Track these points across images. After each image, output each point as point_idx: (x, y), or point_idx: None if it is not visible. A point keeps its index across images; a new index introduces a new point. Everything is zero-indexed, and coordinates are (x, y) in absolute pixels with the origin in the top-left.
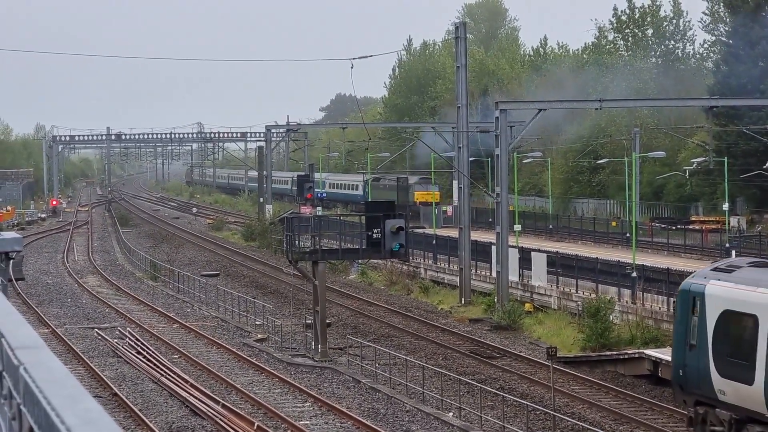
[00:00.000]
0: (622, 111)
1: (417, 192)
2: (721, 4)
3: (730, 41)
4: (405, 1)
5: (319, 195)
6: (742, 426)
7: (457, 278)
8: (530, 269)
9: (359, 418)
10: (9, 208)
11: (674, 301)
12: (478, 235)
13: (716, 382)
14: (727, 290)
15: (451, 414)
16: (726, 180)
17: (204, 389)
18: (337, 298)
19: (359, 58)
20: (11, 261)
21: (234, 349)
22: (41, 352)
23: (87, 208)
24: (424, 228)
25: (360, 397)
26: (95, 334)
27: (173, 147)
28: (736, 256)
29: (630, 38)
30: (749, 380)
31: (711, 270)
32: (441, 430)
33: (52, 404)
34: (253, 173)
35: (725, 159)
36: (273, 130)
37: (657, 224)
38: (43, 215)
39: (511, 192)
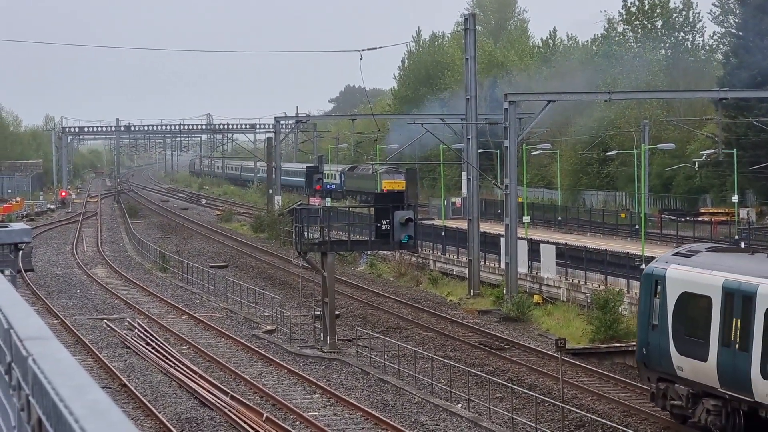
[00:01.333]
0: (631, 103)
1: (384, 180)
2: None
3: (740, 33)
4: None
5: (329, 186)
6: (698, 399)
7: (465, 270)
8: (539, 261)
9: (368, 410)
10: (18, 199)
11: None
12: (487, 227)
13: (675, 359)
14: (685, 273)
15: (459, 405)
16: (735, 172)
17: (213, 380)
18: (345, 289)
19: (368, 49)
20: (20, 252)
21: (243, 341)
22: (50, 343)
23: (96, 200)
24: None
25: (369, 389)
26: (104, 325)
27: (182, 138)
28: (745, 246)
29: (639, 30)
30: (704, 357)
31: (672, 255)
32: (450, 421)
33: (60, 395)
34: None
35: (735, 151)
36: (282, 122)
37: (666, 216)
38: (52, 206)
39: (520, 184)
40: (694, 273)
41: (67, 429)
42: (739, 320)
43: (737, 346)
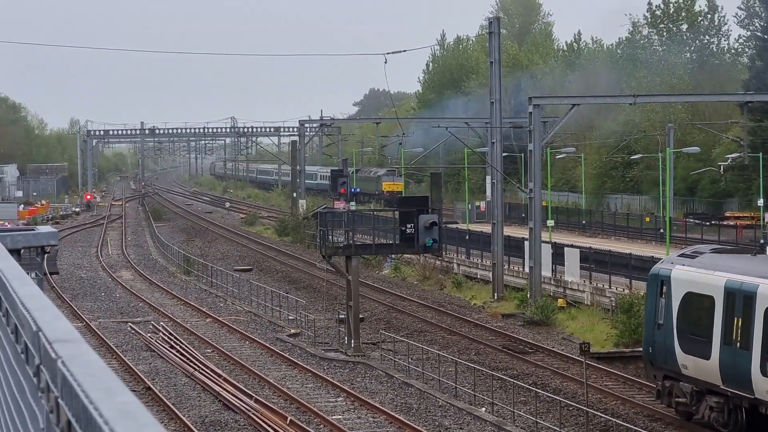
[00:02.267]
0: (656, 106)
1: (384, 182)
2: None
3: (766, 36)
4: None
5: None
6: (702, 397)
7: (489, 273)
8: (563, 265)
9: (392, 413)
10: (43, 202)
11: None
12: (511, 231)
13: (680, 357)
14: (689, 274)
15: (483, 409)
16: (761, 175)
17: (237, 384)
18: (370, 293)
19: (393, 53)
20: (46, 255)
21: (267, 344)
22: (79, 345)
23: (121, 203)
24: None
25: (393, 392)
26: (129, 328)
27: (206, 141)
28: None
29: (664, 33)
30: (707, 355)
31: (677, 256)
32: (474, 425)
33: (90, 397)
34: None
35: (760, 154)
36: (306, 125)
37: (691, 220)
38: (77, 209)
39: (545, 187)
40: (698, 273)
41: (97, 431)
42: (740, 319)
43: (738, 344)
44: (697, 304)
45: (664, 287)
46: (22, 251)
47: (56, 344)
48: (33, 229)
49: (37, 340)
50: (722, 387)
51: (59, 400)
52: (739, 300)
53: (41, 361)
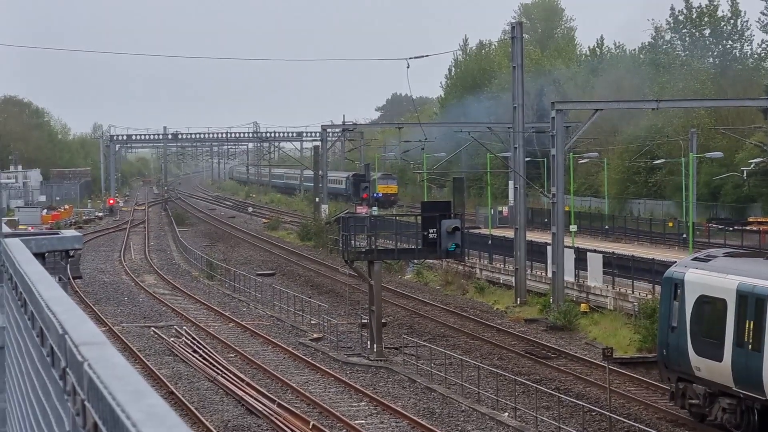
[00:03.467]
0: (679, 111)
1: (379, 185)
2: None
3: None
4: (462, 1)
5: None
6: (715, 399)
7: (512, 278)
8: (586, 270)
9: (415, 418)
10: (67, 206)
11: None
12: (534, 236)
13: (693, 359)
14: (702, 277)
15: (506, 414)
16: None
17: (259, 388)
18: (392, 297)
19: (415, 57)
20: (71, 259)
21: (290, 348)
22: (105, 348)
23: (143, 207)
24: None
25: (415, 397)
26: (152, 332)
27: (229, 146)
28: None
29: (687, 38)
30: (719, 357)
31: (691, 259)
32: (497, 430)
33: (117, 399)
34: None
35: None
36: (329, 130)
37: (714, 225)
38: (100, 214)
39: (567, 192)
40: (710, 277)
41: None
42: (752, 322)
43: (750, 346)
44: (710, 307)
45: (678, 290)
46: (47, 255)
47: (82, 347)
48: (57, 233)
49: (63, 343)
50: (735, 389)
51: (86, 403)
52: (752, 303)
53: (67, 364)
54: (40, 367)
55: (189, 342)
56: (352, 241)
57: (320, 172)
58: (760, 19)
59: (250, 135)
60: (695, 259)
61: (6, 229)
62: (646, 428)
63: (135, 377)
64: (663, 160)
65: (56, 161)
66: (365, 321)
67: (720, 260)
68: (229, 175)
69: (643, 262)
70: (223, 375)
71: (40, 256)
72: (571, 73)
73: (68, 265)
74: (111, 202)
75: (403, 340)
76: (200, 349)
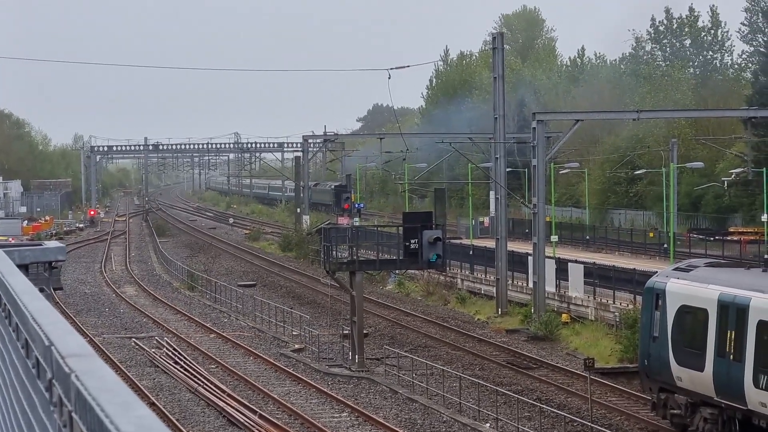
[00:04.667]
0: (660, 121)
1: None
2: (760, 14)
3: None
4: (442, 12)
5: (358, 206)
6: (696, 409)
7: (493, 289)
8: (567, 280)
9: (396, 429)
10: (47, 217)
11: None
12: (515, 246)
13: (674, 369)
14: (683, 287)
15: (488, 425)
16: (765, 191)
17: (241, 399)
18: (374, 308)
19: (396, 68)
20: (53, 270)
21: (271, 360)
22: (92, 360)
23: (124, 218)
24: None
25: (397, 408)
26: (133, 343)
27: (210, 157)
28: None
29: (668, 49)
30: (701, 367)
31: (672, 269)
32: None
33: (106, 411)
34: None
35: (764, 170)
36: (310, 140)
37: (695, 235)
38: (81, 225)
39: (548, 203)
40: (692, 287)
41: None
42: (733, 332)
43: (731, 356)
44: (691, 317)
45: (659, 300)
46: (30, 266)
47: (69, 359)
48: (41, 245)
49: (49, 354)
50: (716, 399)
51: (73, 414)
52: (732, 313)
53: (53, 375)
54: (25, 379)
55: (170, 353)
56: (334, 252)
57: (301, 183)
58: (740, 29)
59: (231, 145)
60: (676, 269)
61: None
62: None
63: (123, 389)
64: (644, 171)
65: (37, 172)
66: (347, 332)
67: (701, 270)
68: (206, 184)
69: (624, 272)
70: (205, 386)
71: (23, 268)
72: (552, 83)
73: (52, 276)
74: (92, 213)
75: (385, 350)
76: (181, 360)
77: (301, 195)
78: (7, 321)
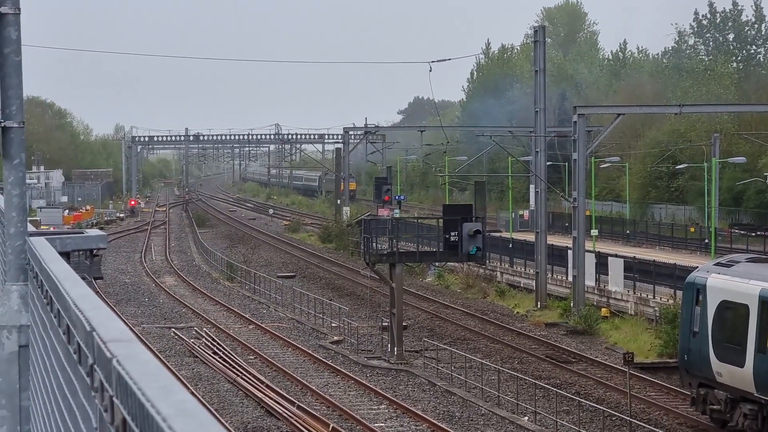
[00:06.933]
0: (702, 116)
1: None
2: None
3: None
4: (484, 5)
5: (398, 198)
6: (736, 404)
7: (533, 282)
8: (607, 274)
9: (434, 421)
10: (88, 207)
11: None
12: (555, 240)
13: (714, 365)
14: (724, 282)
15: (526, 418)
16: None
17: (279, 390)
18: (413, 300)
19: (438, 61)
20: (94, 258)
21: (309, 351)
22: (133, 345)
23: (164, 209)
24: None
25: (435, 400)
26: (172, 333)
27: (250, 148)
28: None
29: (711, 43)
30: (741, 363)
31: (713, 265)
32: None
33: (147, 395)
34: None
35: None
36: (351, 132)
37: (736, 231)
38: (121, 215)
39: (589, 197)
40: (733, 282)
41: (155, 428)
42: None
43: None
44: (731, 313)
45: (700, 295)
46: (72, 254)
47: (110, 344)
48: (82, 232)
49: (90, 340)
50: (756, 394)
51: (114, 399)
52: None
53: (95, 360)
54: (66, 365)
55: (209, 343)
56: (374, 244)
57: (342, 174)
58: None
59: (272, 137)
60: (717, 264)
61: (31, 228)
62: None
63: (163, 374)
64: (685, 165)
65: (78, 162)
66: (386, 324)
67: (742, 265)
68: (241, 175)
69: (664, 267)
70: (243, 377)
71: (65, 255)
72: (594, 77)
73: (93, 264)
74: (132, 203)
75: (424, 343)
76: (220, 350)
77: (342, 186)
78: (48, 307)
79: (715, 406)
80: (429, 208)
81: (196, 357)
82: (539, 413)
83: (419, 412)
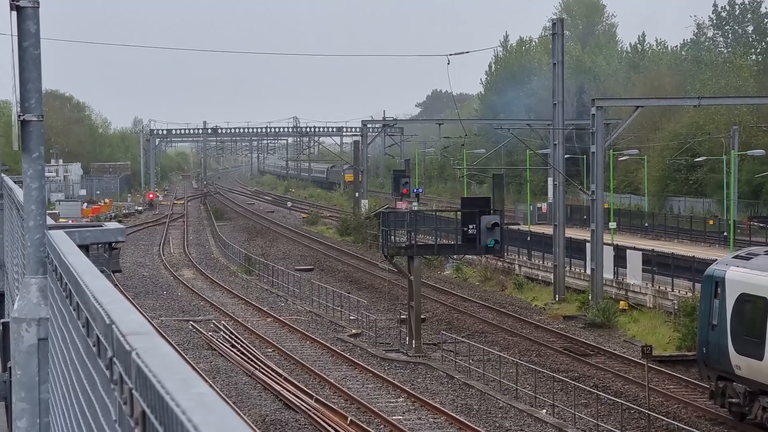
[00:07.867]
0: (721, 108)
1: (347, 174)
2: None
3: None
4: None
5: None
6: (755, 397)
7: (551, 275)
8: (625, 267)
9: (452, 414)
10: (107, 200)
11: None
12: (573, 233)
13: (733, 358)
14: (743, 275)
15: (544, 411)
16: None
17: (297, 383)
18: (431, 293)
19: (456, 54)
20: (113, 252)
21: (328, 344)
22: (152, 338)
23: (183, 202)
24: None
25: (453, 393)
26: (190, 326)
27: (269, 141)
28: None
29: (730, 35)
30: (760, 356)
31: (732, 258)
32: (534, 427)
33: (166, 388)
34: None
35: None
36: (369, 125)
37: (755, 223)
38: (139, 208)
39: (607, 189)
40: (752, 275)
41: (174, 421)
42: None
43: None
44: (751, 305)
45: (719, 288)
46: (90, 247)
47: (130, 337)
48: (101, 225)
49: (110, 333)
50: None
51: (133, 392)
52: None
53: (114, 353)
54: (85, 358)
55: (227, 336)
56: (392, 237)
57: (360, 167)
58: None
59: (290, 129)
60: (736, 257)
61: (50, 221)
62: (686, 427)
63: (183, 367)
64: (704, 158)
65: (97, 155)
66: (404, 317)
67: (761, 258)
68: (260, 168)
69: (683, 259)
70: (261, 370)
71: (83, 248)
72: (612, 69)
73: (112, 257)
74: (151, 196)
75: (442, 336)
76: (238, 343)
77: (360, 179)
78: (68, 300)
79: (733, 399)
80: (447, 201)
81: (214, 350)
82: (557, 406)
83: (437, 405)
